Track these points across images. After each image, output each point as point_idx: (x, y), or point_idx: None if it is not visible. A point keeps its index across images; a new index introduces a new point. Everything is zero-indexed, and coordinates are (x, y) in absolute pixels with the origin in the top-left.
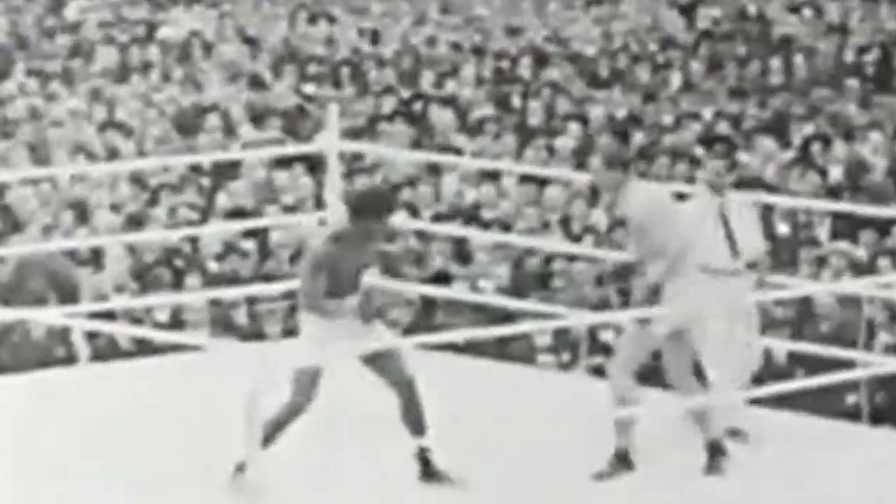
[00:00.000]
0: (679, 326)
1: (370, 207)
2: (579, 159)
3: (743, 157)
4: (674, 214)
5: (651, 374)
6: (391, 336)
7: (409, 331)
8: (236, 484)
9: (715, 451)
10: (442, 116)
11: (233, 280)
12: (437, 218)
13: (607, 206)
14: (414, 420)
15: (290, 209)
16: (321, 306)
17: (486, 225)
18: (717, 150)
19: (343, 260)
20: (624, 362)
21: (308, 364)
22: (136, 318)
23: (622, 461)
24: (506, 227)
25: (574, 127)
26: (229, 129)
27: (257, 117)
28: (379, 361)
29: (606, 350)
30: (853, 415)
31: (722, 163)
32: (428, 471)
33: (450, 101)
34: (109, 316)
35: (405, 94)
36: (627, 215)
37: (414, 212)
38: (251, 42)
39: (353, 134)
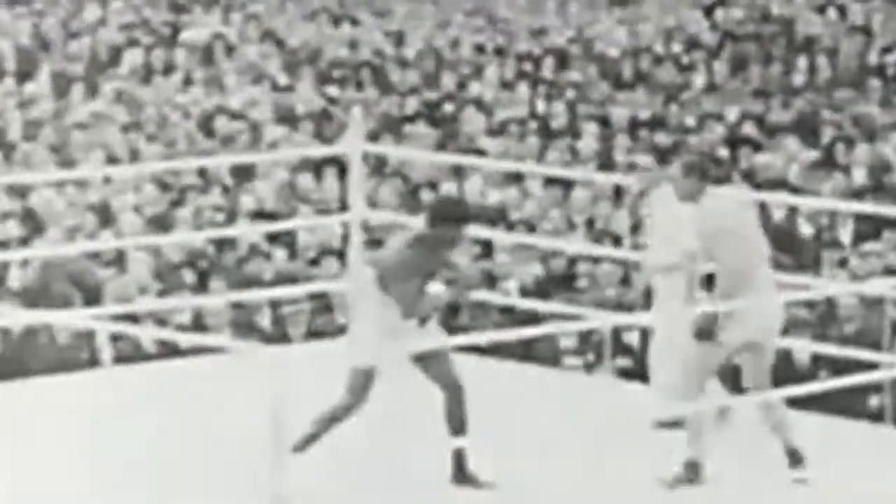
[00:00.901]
0: (753, 339)
1: (448, 215)
2: (602, 160)
3: (766, 157)
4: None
5: None
6: (444, 337)
7: None
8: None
9: (795, 459)
10: (466, 118)
11: (256, 282)
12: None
13: (634, 207)
14: (457, 421)
15: (317, 212)
16: (415, 308)
17: (510, 226)
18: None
19: (418, 264)
20: (695, 380)
21: (364, 364)
22: (159, 321)
23: (692, 471)
24: (531, 228)
25: (595, 128)
26: (255, 131)
27: (282, 119)
28: (429, 361)
29: (630, 351)
30: (877, 416)
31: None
32: (461, 473)
33: (474, 103)
34: (132, 319)
35: (429, 95)
36: (705, 224)
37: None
38: (276, 44)
39: (376, 136)
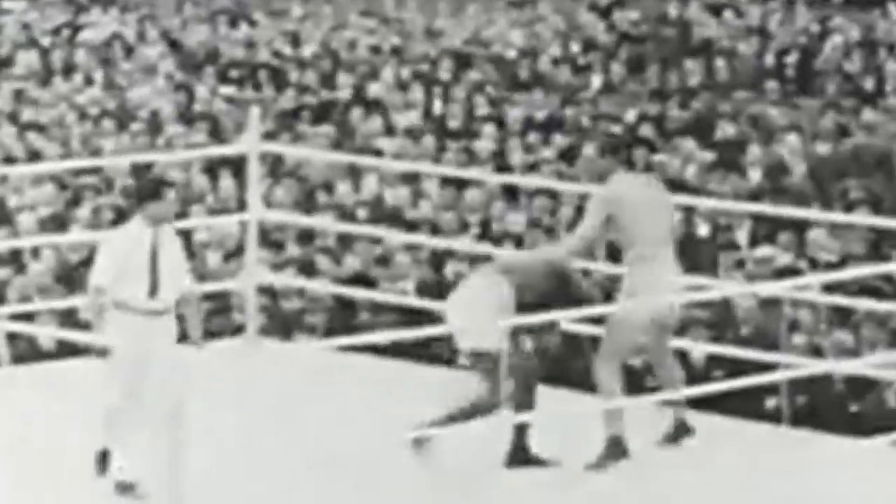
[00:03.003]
0: (659, 317)
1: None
2: (498, 161)
3: (663, 158)
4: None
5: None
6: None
7: (329, 332)
8: None
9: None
10: (362, 119)
11: None
12: (357, 219)
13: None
14: (519, 401)
15: (211, 210)
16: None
17: (407, 226)
18: None
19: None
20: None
21: (490, 347)
22: (59, 320)
23: (617, 447)
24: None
25: (492, 129)
26: (154, 130)
27: (180, 119)
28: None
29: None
30: (774, 418)
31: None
32: (517, 454)
33: (370, 104)
34: (29, 318)
35: (325, 95)
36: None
37: (336, 213)
38: (173, 45)
39: (273, 136)
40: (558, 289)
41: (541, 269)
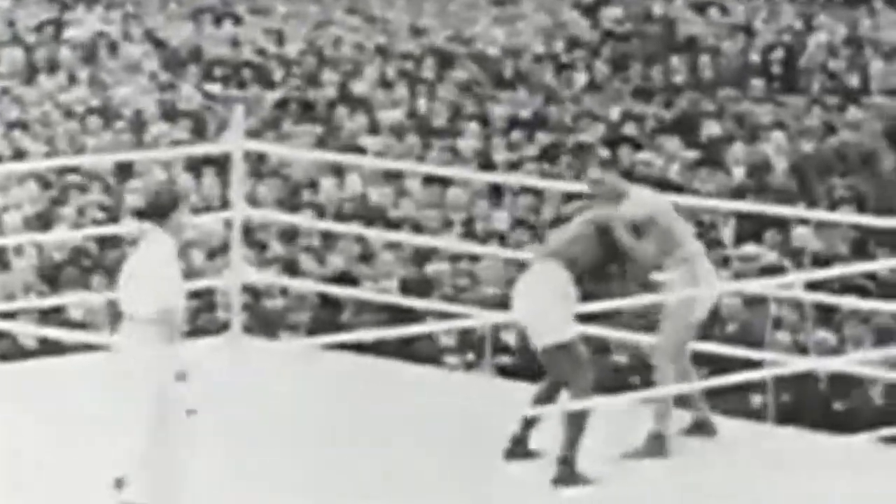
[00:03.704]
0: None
1: None
2: (482, 159)
3: (647, 156)
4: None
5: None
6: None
7: (312, 331)
8: None
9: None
10: (346, 117)
11: None
12: (340, 217)
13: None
14: (540, 395)
15: (195, 209)
16: None
17: (390, 224)
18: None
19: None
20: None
21: (565, 339)
22: (43, 318)
23: (658, 444)
24: (412, 227)
25: (476, 127)
26: (139, 129)
27: (164, 117)
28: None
29: (508, 350)
30: (759, 415)
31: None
32: (516, 447)
33: (354, 102)
34: (12, 316)
35: (310, 94)
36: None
37: (319, 211)
38: (157, 43)
39: (257, 134)
40: (608, 252)
41: (587, 239)
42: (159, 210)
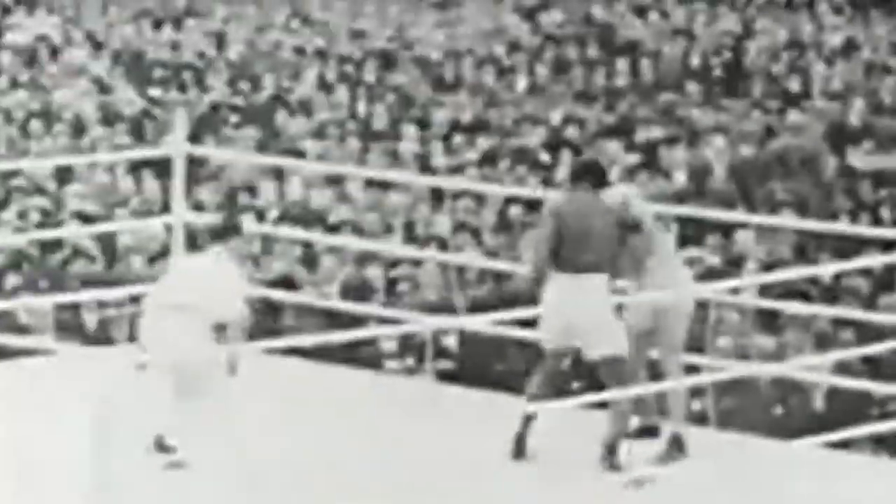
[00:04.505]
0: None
1: None
2: (422, 163)
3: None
4: None
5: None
6: None
7: (254, 335)
8: None
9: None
10: (287, 120)
11: (83, 284)
12: (281, 221)
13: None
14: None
15: (136, 213)
16: None
17: (332, 228)
18: None
19: None
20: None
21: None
22: None
23: (678, 444)
24: (353, 231)
25: (416, 131)
26: (78, 132)
27: (104, 121)
28: None
29: (449, 355)
30: (700, 420)
31: None
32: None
33: (295, 105)
34: None
35: (250, 97)
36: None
37: (259, 215)
38: (98, 46)
39: (197, 137)
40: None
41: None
42: (223, 234)
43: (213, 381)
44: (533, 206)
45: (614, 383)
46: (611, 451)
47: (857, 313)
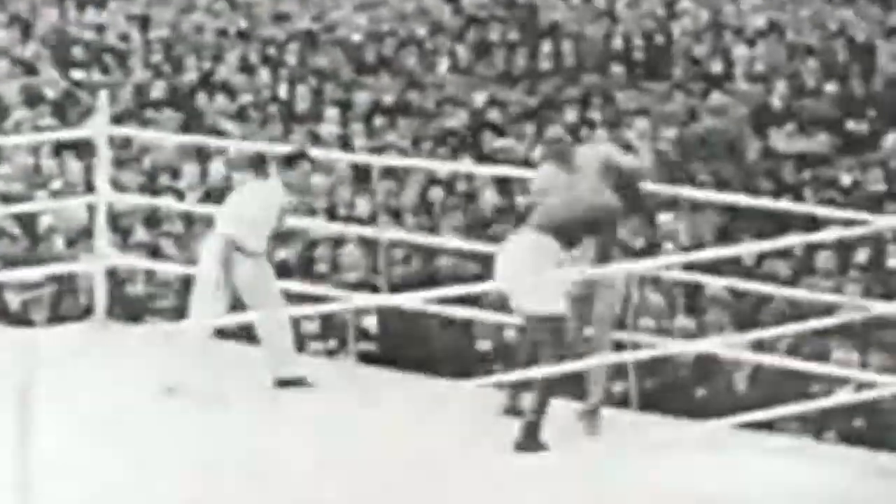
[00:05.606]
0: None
1: None
2: (343, 144)
3: (508, 142)
4: None
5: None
6: None
7: (178, 316)
8: None
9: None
10: (209, 102)
11: (6, 264)
12: (204, 202)
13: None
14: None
15: (58, 194)
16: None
17: None
18: None
19: None
20: None
21: (556, 311)
22: None
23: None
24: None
25: (337, 113)
26: (2, 115)
27: (27, 102)
28: None
29: (370, 336)
30: (622, 402)
31: None
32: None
33: (217, 87)
34: None
35: (173, 79)
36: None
37: (180, 196)
38: (22, 28)
39: (120, 119)
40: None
41: (582, 207)
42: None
43: None
44: (452, 187)
45: (539, 341)
46: (531, 429)
47: (778, 290)
